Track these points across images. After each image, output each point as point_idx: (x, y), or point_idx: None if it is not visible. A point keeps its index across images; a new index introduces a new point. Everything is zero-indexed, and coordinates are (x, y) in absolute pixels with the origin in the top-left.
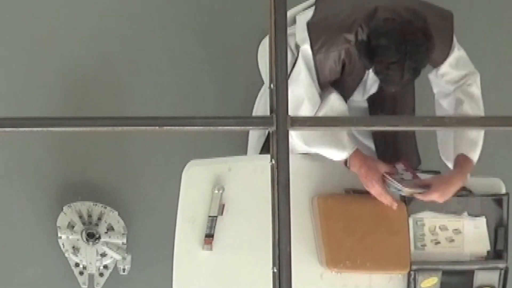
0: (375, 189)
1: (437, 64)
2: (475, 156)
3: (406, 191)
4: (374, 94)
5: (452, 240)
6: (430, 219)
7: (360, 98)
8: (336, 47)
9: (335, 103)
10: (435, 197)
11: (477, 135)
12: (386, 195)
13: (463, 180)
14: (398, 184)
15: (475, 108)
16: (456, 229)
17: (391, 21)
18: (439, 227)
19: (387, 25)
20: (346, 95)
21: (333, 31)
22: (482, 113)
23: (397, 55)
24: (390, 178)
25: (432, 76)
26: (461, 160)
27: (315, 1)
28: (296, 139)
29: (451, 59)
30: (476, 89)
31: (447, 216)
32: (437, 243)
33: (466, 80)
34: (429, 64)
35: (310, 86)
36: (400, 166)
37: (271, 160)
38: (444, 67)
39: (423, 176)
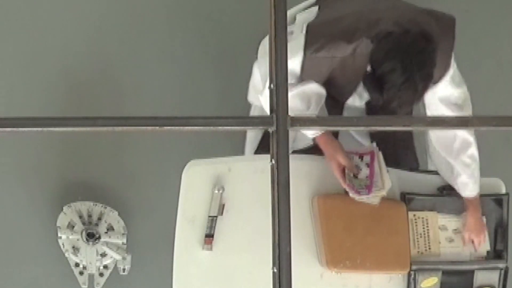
0: (335, 173)
1: (436, 80)
2: (478, 188)
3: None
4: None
5: (452, 240)
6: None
7: (357, 103)
8: (331, 53)
9: (312, 85)
10: (480, 241)
11: (472, 173)
12: (343, 183)
13: (479, 210)
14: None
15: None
16: (455, 229)
17: (388, 38)
18: (439, 227)
19: (385, 45)
20: (340, 100)
21: (332, 38)
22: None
23: (405, 73)
24: (346, 180)
25: (428, 98)
26: (472, 201)
27: (317, 1)
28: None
29: (448, 76)
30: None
31: (447, 216)
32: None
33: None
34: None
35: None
36: (357, 160)
37: (271, 160)
38: (442, 85)
39: (422, 176)
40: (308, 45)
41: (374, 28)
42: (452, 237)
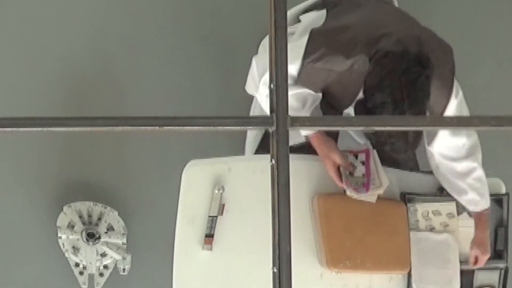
0: (329, 173)
1: (435, 111)
2: (487, 203)
3: (349, 193)
4: None
5: (446, 225)
6: (422, 204)
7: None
8: (328, 66)
9: (308, 90)
10: (483, 261)
11: (478, 188)
12: (338, 182)
13: (487, 227)
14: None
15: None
16: (449, 213)
17: (384, 61)
18: (432, 212)
19: (379, 71)
20: (339, 109)
21: (332, 50)
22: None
23: (396, 108)
24: (343, 178)
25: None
26: (480, 217)
27: (323, 3)
28: (264, 104)
29: (451, 108)
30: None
31: (439, 200)
32: (432, 228)
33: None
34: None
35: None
36: (352, 158)
37: (271, 160)
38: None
39: (422, 176)
40: (307, 53)
41: (374, 45)
42: (446, 221)
